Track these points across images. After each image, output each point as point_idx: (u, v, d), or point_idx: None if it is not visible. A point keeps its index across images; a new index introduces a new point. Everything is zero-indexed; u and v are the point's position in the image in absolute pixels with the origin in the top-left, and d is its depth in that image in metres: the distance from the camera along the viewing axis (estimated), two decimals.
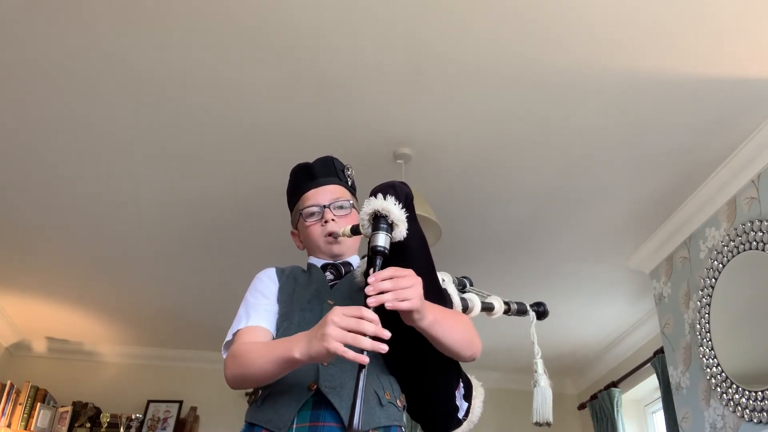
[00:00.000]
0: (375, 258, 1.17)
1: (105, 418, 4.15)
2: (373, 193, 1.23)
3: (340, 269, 1.46)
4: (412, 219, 1.24)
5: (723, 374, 2.73)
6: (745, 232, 2.65)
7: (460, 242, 3.34)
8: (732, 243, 2.73)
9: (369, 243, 1.20)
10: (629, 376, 4.07)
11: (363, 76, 2.37)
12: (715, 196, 2.88)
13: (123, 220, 3.23)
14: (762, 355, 2.52)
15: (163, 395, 4.50)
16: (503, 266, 3.55)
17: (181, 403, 4.45)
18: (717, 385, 2.75)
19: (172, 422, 4.35)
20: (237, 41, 2.23)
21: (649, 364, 3.76)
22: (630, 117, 2.53)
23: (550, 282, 3.68)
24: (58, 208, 3.15)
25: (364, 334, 1.07)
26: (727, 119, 2.53)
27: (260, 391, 1.32)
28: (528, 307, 1.57)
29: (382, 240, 1.18)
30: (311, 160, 1.58)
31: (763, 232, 2.55)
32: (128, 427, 4.16)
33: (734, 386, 2.65)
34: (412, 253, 1.26)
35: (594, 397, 4.32)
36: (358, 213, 1.28)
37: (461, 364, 1.38)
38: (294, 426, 1.22)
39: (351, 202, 1.52)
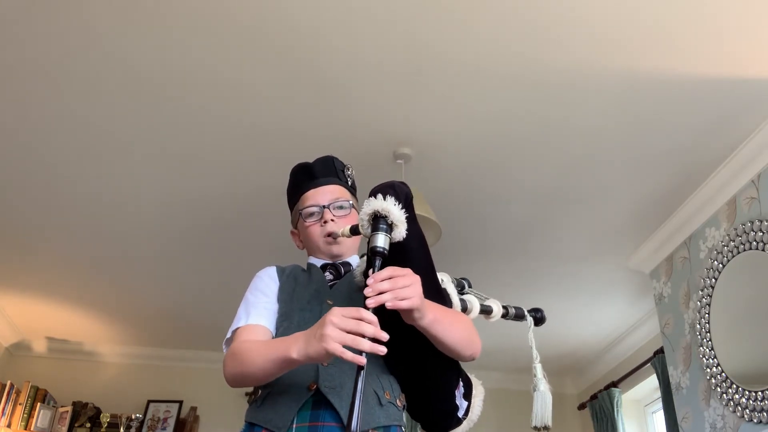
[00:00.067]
0: (374, 258, 1.17)
1: (105, 418, 4.15)
2: (373, 194, 1.23)
3: (339, 269, 1.46)
4: (411, 219, 1.24)
5: (723, 374, 2.73)
6: (745, 232, 2.65)
7: (460, 242, 3.34)
8: (732, 243, 2.73)
9: (368, 243, 1.20)
10: (629, 376, 4.07)
11: (363, 76, 2.37)
12: (715, 196, 2.88)
13: (123, 220, 3.24)
14: (762, 355, 2.52)
15: (163, 395, 4.50)
16: (503, 266, 3.55)
17: (181, 403, 4.45)
18: (717, 385, 2.75)
19: (172, 422, 4.36)
20: (237, 41, 2.23)
21: (649, 364, 3.76)
22: (630, 117, 2.53)
23: (550, 282, 3.68)
24: (58, 208, 3.15)
25: (363, 336, 1.07)
26: (727, 119, 2.53)
27: (260, 391, 1.32)
28: (526, 312, 1.57)
29: (381, 240, 1.18)
30: (311, 160, 1.58)
31: (763, 232, 2.55)
32: (128, 427, 4.16)
33: (734, 386, 2.65)
34: (412, 253, 1.26)
35: (594, 397, 4.33)
36: (358, 213, 1.28)
37: (461, 363, 1.38)
38: (294, 426, 1.22)
39: (351, 202, 1.52)
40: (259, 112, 2.55)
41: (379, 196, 1.21)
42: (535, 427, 1.48)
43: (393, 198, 1.21)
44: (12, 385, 3.98)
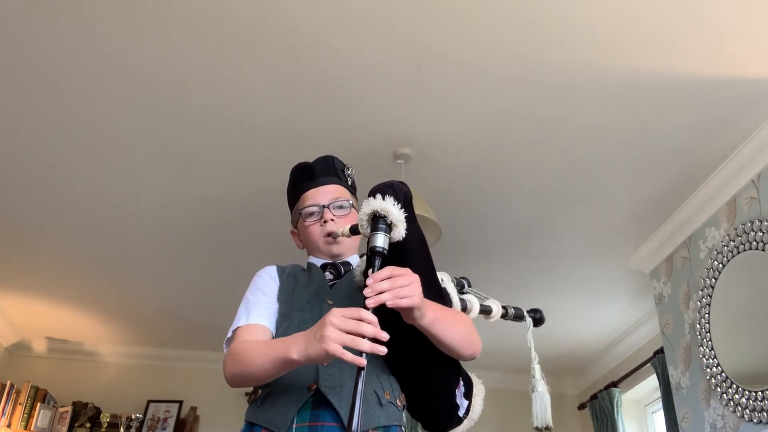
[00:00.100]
0: (374, 258, 1.17)
1: (105, 418, 4.15)
2: (372, 194, 1.23)
3: (339, 269, 1.46)
4: (411, 219, 1.24)
5: (723, 374, 2.73)
6: (745, 232, 2.65)
7: (460, 242, 3.34)
8: (732, 243, 2.73)
9: (368, 243, 1.20)
10: (629, 376, 4.07)
11: (363, 76, 2.37)
12: (715, 196, 2.88)
13: (123, 220, 3.24)
14: (762, 355, 2.52)
15: (163, 395, 4.51)
16: (503, 266, 3.55)
17: (181, 403, 4.45)
18: (717, 385, 2.75)
19: (172, 422, 4.36)
20: (237, 41, 2.23)
21: (649, 364, 3.76)
22: (630, 117, 2.53)
23: (550, 282, 3.68)
24: (58, 208, 3.15)
25: (363, 336, 1.07)
26: (727, 119, 2.53)
27: (260, 391, 1.32)
28: (525, 313, 1.57)
29: (380, 240, 1.18)
30: (311, 160, 1.58)
31: (763, 232, 2.55)
32: (128, 427, 4.17)
33: (734, 386, 2.65)
34: (412, 253, 1.26)
35: (594, 397, 4.32)
36: (358, 213, 1.28)
37: (461, 362, 1.38)
38: (294, 426, 1.22)
39: (350, 201, 1.52)
40: (259, 112, 2.55)
41: (378, 196, 1.21)
42: (537, 428, 1.48)
43: (392, 198, 1.20)
44: (12, 385, 3.98)
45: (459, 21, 2.13)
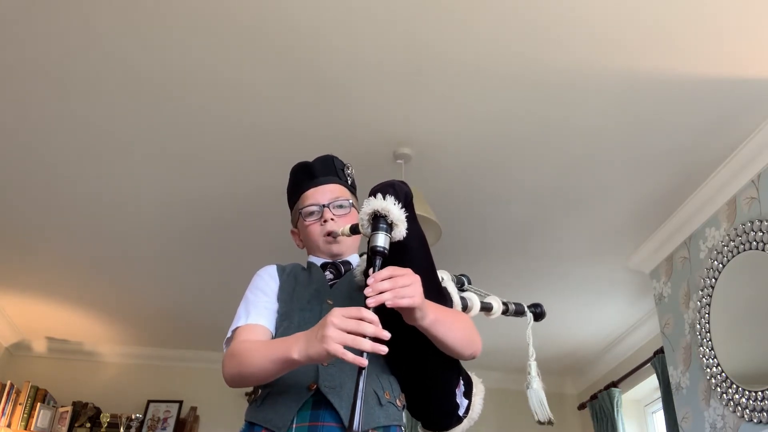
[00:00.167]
0: (374, 258, 1.17)
1: (105, 418, 4.15)
2: (373, 193, 1.23)
3: (339, 268, 1.46)
4: (411, 218, 1.24)
5: (723, 374, 2.73)
6: (745, 232, 2.65)
7: (460, 242, 3.34)
8: (732, 243, 2.73)
9: (368, 243, 1.20)
10: (629, 376, 4.07)
11: (363, 76, 2.37)
12: (715, 196, 2.88)
13: (123, 220, 3.24)
14: (762, 355, 2.52)
15: (163, 395, 4.50)
16: (503, 266, 3.55)
17: (181, 403, 4.45)
18: (717, 385, 2.75)
19: (172, 422, 4.35)
20: (237, 41, 2.23)
21: (649, 364, 3.76)
22: (630, 117, 2.53)
23: (550, 282, 3.68)
24: (58, 208, 3.15)
25: (364, 336, 1.07)
26: (727, 119, 2.53)
27: (260, 391, 1.32)
28: (526, 308, 1.57)
29: (381, 240, 1.18)
30: (311, 160, 1.58)
31: (763, 232, 2.55)
32: (128, 427, 4.17)
33: (734, 386, 2.65)
34: (412, 252, 1.26)
35: (594, 397, 4.32)
36: (358, 212, 1.28)
37: (461, 361, 1.38)
38: (293, 426, 1.22)
39: (350, 201, 1.52)
40: (259, 112, 2.55)
41: (379, 195, 1.21)
42: (540, 422, 1.49)
43: (393, 197, 1.20)
44: (12, 385, 3.98)
45: (459, 21, 2.13)
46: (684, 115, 2.51)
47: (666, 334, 3.28)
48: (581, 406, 4.69)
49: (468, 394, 1.41)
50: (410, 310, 1.15)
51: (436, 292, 1.31)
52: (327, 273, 1.46)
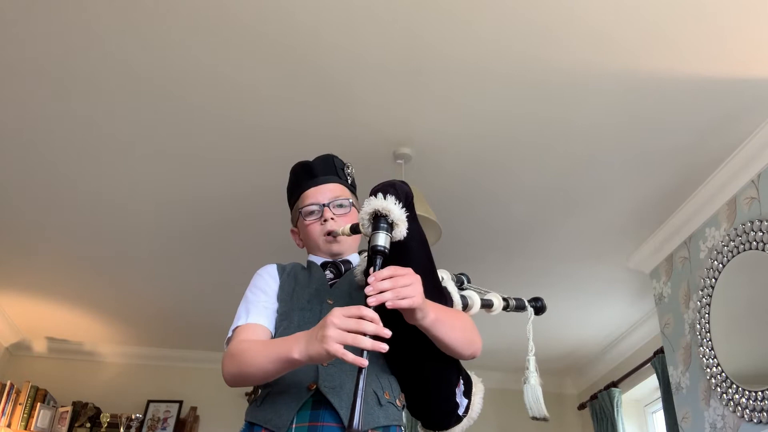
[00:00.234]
0: (375, 257, 1.17)
1: (105, 418, 4.15)
2: (373, 193, 1.23)
3: (339, 267, 1.46)
4: (412, 218, 1.24)
5: (723, 374, 2.73)
6: (745, 232, 2.65)
7: (460, 242, 3.34)
8: (732, 243, 2.73)
9: (369, 242, 1.20)
10: (629, 376, 4.07)
11: (363, 75, 2.37)
12: (715, 196, 2.88)
13: (123, 220, 3.24)
14: (762, 355, 2.52)
15: (163, 395, 4.51)
16: (503, 266, 3.55)
17: (181, 403, 4.45)
18: (717, 385, 2.75)
19: (172, 422, 4.36)
20: (237, 41, 2.23)
21: (649, 364, 3.76)
22: (630, 117, 2.53)
23: (550, 282, 3.68)
24: (58, 208, 3.15)
25: (365, 334, 1.07)
26: (727, 119, 2.53)
27: (260, 391, 1.32)
28: (526, 303, 1.57)
29: (382, 239, 1.18)
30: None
31: (763, 232, 2.55)
32: (128, 427, 4.16)
33: (734, 386, 2.65)
34: (413, 252, 1.27)
35: (594, 397, 4.33)
36: (358, 211, 1.28)
37: (461, 360, 1.38)
38: (293, 426, 1.22)
39: (351, 200, 1.52)
40: (259, 111, 2.56)
41: (380, 195, 1.21)
42: (534, 418, 1.48)
43: (393, 197, 1.20)
44: (12, 385, 3.98)
45: (459, 21, 2.13)
46: (684, 115, 2.51)
47: (666, 334, 3.28)
48: (581, 406, 4.69)
49: (468, 393, 1.41)
50: (411, 309, 1.15)
51: (436, 292, 1.31)
52: (327, 272, 1.46)
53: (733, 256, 2.72)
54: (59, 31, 2.19)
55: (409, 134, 2.66)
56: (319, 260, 1.49)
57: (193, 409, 4.44)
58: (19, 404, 4.01)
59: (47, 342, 4.58)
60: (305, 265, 1.51)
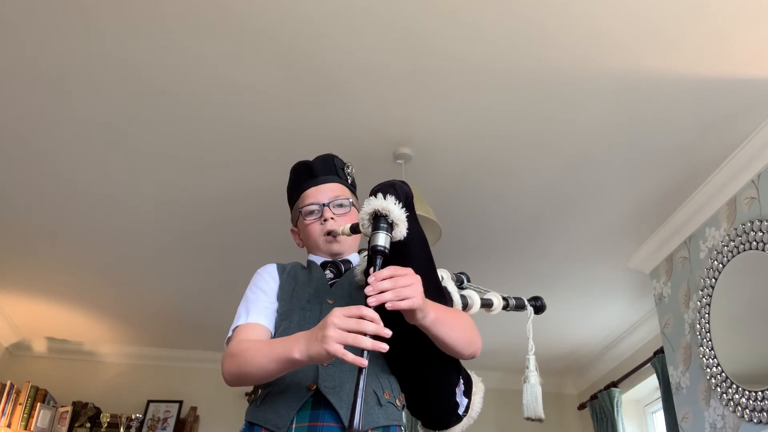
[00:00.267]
0: (375, 257, 1.17)
1: (105, 418, 4.15)
2: (373, 193, 1.23)
3: (339, 267, 1.46)
4: (412, 218, 1.24)
5: (723, 374, 2.73)
6: (745, 232, 2.65)
7: (460, 242, 3.34)
8: (732, 243, 2.73)
9: (369, 242, 1.20)
10: (629, 376, 4.07)
11: (363, 75, 2.37)
12: (715, 196, 2.88)
13: (123, 220, 3.24)
14: (762, 355, 2.52)
15: (163, 395, 4.50)
16: (503, 266, 3.55)
17: (181, 403, 4.45)
18: (717, 385, 2.75)
19: (172, 422, 4.35)
20: (237, 41, 2.23)
21: (649, 364, 3.76)
22: (630, 117, 2.53)
23: (550, 282, 3.68)
24: (58, 208, 3.15)
25: (365, 334, 1.07)
26: (727, 119, 2.53)
27: (260, 390, 1.33)
28: (526, 302, 1.58)
29: (382, 240, 1.18)
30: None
31: (763, 232, 2.55)
32: (128, 427, 4.16)
33: (734, 386, 2.65)
34: (413, 252, 1.27)
35: (594, 397, 4.33)
36: (358, 211, 1.28)
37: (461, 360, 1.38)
38: (293, 426, 1.22)
39: (351, 200, 1.52)
40: (259, 111, 2.56)
41: (380, 195, 1.21)
42: (528, 418, 1.48)
43: (393, 197, 1.20)
44: (12, 385, 3.98)
45: (459, 21, 2.13)
46: (684, 115, 2.51)
47: (666, 334, 3.28)
48: (581, 406, 4.69)
49: (468, 392, 1.41)
50: (411, 310, 1.15)
51: (436, 292, 1.31)
52: (327, 272, 1.46)
53: (733, 256, 2.72)
54: (59, 31, 2.19)
55: (409, 134, 2.66)
56: (319, 260, 1.49)
57: (193, 409, 4.44)
58: (19, 404, 4.01)
59: (47, 342, 4.58)
60: (305, 264, 1.51)
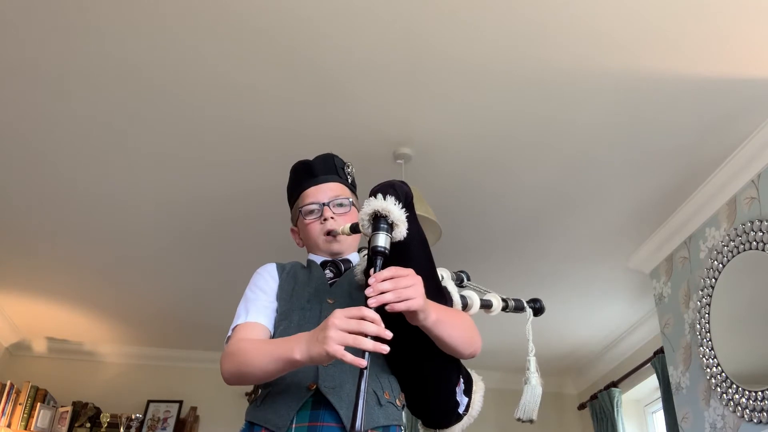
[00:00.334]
0: (375, 258, 1.17)
1: (105, 418, 4.15)
2: (373, 193, 1.22)
3: (339, 267, 1.46)
4: (412, 219, 1.24)
5: (723, 374, 2.73)
6: (745, 232, 2.65)
7: (460, 242, 3.34)
8: (732, 243, 2.73)
9: (369, 243, 1.20)
10: (629, 376, 4.07)
11: (363, 75, 2.37)
12: (715, 196, 2.88)
13: (123, 220, 3.24)
14: (762, 355, 2.52)
15: (163, 395, 4.50)
16: (503, 266, 3.55)
17: (181, 403, 4.45)
18: (717, 385, 2.75)
19: (172, 422, 4.35)
20: (237, 41, 2.23)
21: (649, 364, 3.76)
22: (630, 117, 2.53)
23: (550, 282, 3.68)
24: (58, 208, 3.15)
25: (366, 335, 1.07)
26: (727, 119, 2.53)
27: (260, 390, 1.33)
28: (525, 304, 1.58)
29: (382, 240, 1.18)
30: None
31: (763, 232, 2.55)
32: (128, 427, 4.16)
33: (734, 386, 2.65)
34: (413, 252, 1.27)
35: (594, 397, 4.33)
36: (358, 211, 1.28)
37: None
38: (293, 426, 1.22)
39: (351, 199, 1.52)
40: (259, 111, 2.56)
41: (380, 195, 1.21)
42: (519, 419, 1.48)
43: (393, 197, 1.20)
44: (12, 385, 3.98)
45: (459, 21, 2.13)
46: (684, 115, 2.51)
47: (666, 334, 3.28)
48: (581, 406, 4.69)
49: (468, 391, 1.41)
50: (413, 311, 1.15)
51: (436, 292, 1.31)
52: (327, 271, 1.46)
53: (733, 256, 2.72)
54: (59, 31, 2.19)
55: (409, 134, 2.66)
56: (318, 259, 1.49)
57: (193, 409, 4.44)
58: (19, 404, 4.01)
59: (47, 342, 4.58)
60: (305, 264, 1.51)
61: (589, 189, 2.95)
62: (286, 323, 1.35)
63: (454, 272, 1.52)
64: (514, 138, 2.66)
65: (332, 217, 1.47)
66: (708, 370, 2.82)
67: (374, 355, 1.19)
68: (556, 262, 3.51)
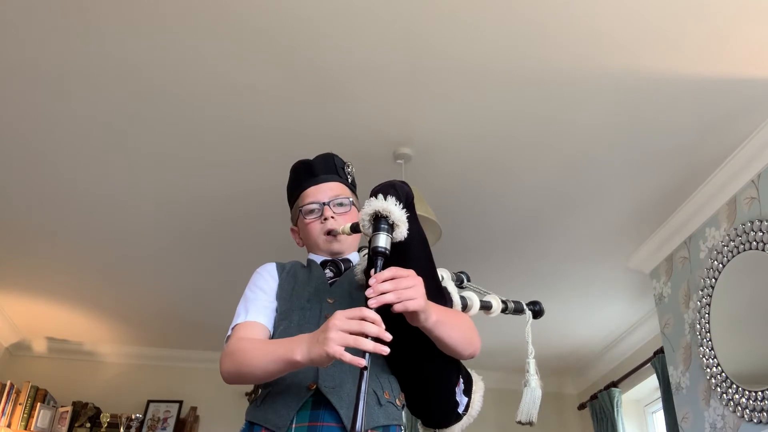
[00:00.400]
0: (376, 259, 1.17)
1: (105, 418, 4.15)
2: (374, 194, 1.22)
3: (339, 266, 1.46)
4: (412, 219, 1.24)
5: (723, 374, 2.73)
6: (745, 232, 2.65)
7: (460, 242, 3.34)
8: (732, 243, 2.73)
9: (370, 243, 1.20)
10: (629, 376, 4.07)
11: (363, 75, 2.37)
12: (715, 196, 2.88)
13: (123, 220, 3.24)
14: (762, 355, 2.52)
15: (163, 395, 4.50)
16: (503, 266, 3.55)
17: (181, 403, 4.45)
18: (717, 385, 2.75)
19: (172, 422, 4.35)
20: (237, 41, 2.23)
21: (649, 364, 3.76)
22: (630, 117, 2.53)
23: (550, 282, 3.68)
24: (58, 209, 3.15)
25: (366, 336, 1.07)
26: (727, 119, 2.53)
27: (260, 390, 1.33)
28: (524, 306, 1.57)
29: (383, 241, 1.18)
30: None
31: (763, 232, 2.55)
32: (128, 427, 4.16)
33: (734, 386, 2.65)
34: (413, 253, 1.26)
35: (594, 397, 4.33)
36: (358, 210, 1.28)
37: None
38: (293, 426, 1.22)
39: (351, 199, 1.52)
40: (259, 111, 2.55)
41: (380, 196, 1.21)
42: (519, 422, 1.48)
43: (394, 198, 1.20)
44: (12, 385, 3.98)
45: (459, 21, 2.13)
46: (684, 115, 2.51)
47: (666, 334, 3.28)
48: (581, 406, 4.69)
49: (468, 391, 1.41)
50: (414, 312, 1.15)
51: (436, 292, 1.31)
52: (327, 271, 1.46)
53: (733, 256, 2.72)
54: (59, 31, 2.19)
55: (409, 134, 2.66)
56: (319, 259, 1.49)
57: (193, 409, 4.44)
58: (19, 404, 4.01)
59: (47, 342, 4.58)
60: (305, 263, 1.51)
61: (589, 189, 2.95)
62: (286, 323, 1.35)
63: (454, 273, 1.52)
64: (514, 138, 2.66)
65: (332, 217, 1.47)
66: (708, 370, 2.83)
67: (374, 355, 1.19)
68: (556, 262, 3.51)
